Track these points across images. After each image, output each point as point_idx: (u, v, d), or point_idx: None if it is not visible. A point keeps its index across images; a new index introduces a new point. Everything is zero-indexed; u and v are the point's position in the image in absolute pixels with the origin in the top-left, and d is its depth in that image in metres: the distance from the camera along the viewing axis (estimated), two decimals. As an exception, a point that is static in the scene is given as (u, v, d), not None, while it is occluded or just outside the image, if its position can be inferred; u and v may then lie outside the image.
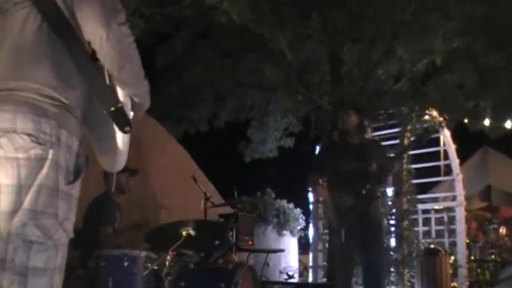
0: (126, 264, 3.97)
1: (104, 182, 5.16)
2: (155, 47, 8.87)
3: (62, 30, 1.71)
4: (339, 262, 4.95)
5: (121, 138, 1.89)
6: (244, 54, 8.57)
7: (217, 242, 4.94)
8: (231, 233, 5.70)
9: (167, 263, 4.08)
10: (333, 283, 5.14)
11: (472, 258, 9.66)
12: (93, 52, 1.76)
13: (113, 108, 1.76)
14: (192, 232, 4.17)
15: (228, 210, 6.70)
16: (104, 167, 1.97)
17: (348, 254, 4.81)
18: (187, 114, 9.86)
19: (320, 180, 4.99)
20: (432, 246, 8.96)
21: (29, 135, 1.59)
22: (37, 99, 1.64)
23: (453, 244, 9.50)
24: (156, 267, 4.05)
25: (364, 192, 4.69)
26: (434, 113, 8.52)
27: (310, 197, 9.70)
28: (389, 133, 9.08)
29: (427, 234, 10.00)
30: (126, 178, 5.26)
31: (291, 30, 7.52)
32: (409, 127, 8.73)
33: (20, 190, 1.56)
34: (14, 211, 1.55)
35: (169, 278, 4.10)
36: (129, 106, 1.89)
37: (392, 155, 5.98)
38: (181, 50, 8.85)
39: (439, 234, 9.89)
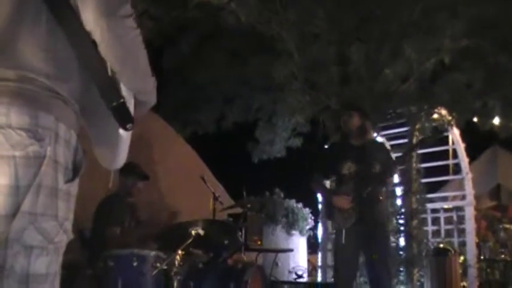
0: (135, 264, 3.97)
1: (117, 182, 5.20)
2: (163, 49, 8.90)
3: (63, 16, 1.57)
4: (340, 262, 4.94)
5: (122, 135, 1.74)
6: (252, 55, 8.59)
7: (226, 242, 4.96)
8: (240, 233, 5.71)
9: (176, 262, 4.09)
10: (336, 283, 5.11)
11: (482, 257, 9.61)
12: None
13: (114, 104, 1.62)
14: (201, 232, 4.18)
15: (237, 210, 6.72)
16: (102, 163, 1.81)
17: (348, 255, 4.79)
18: (195, 116, 9.90)
19: (327, 182, 4.99)
20: (442, 245, 8.93)
21: (26, 130, 1.46)
22: (33, 90, 1.51)
23: (463, 244, 9.46)
24: (165, 267, 4.06)
25: (365, 194, 4.67)
26: (444, 112, 8.50)
27: (319, 196, 9.69)
28: (398, 132, 9.05)
29: (436, 233, 9.96)
30: (133, 181, 5.24)
31: (298, 31, 7.53)
32: (418, 126, 8.70)
33: (18, 191, 1.44)
34: (11, 214, 1.43)
35: (178, 277, 4.11)
36: (132, 101, 1.75)
37: (399, 154, 5.96)
38: (189, 51, 8.88)
39: (449, 233, 9.85)
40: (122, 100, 1.64)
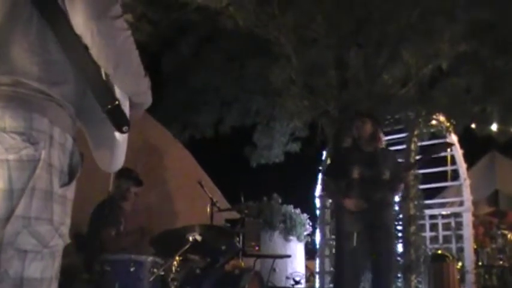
0: (132, 269, 3.94)
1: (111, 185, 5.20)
2: (161, 52, 8.89)
3: (54, 21, 1.57)
4: (349, 266, 4.96)
5: (118, 137, 1.73)
6: (250, 59, 8.57)
7: (223, 247, 4.94)
8: (237, 238, 5.70)
9: (173, 268, 4.07)
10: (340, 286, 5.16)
11: (480, 263, 9.60)
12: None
13: (109, 106, 1.63)
14: (198, 237, 4.16)
15: (234, 215, 6.69)
16: (101, 166, 1.81)
17: (358, 259, 4.85)
18: (193, 120, 9.87)
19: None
20: (439, 251, 8.92)
21: (20, 134, 1.47)
22: (27, 94, 1.52)
23: (460, 250, 9.45)
24: (162, 273, 4.03)
25: (375, 199, 4.74)
26: (442, 118, 8.50)
27: (317, 202, 9.68)
28: (396, 138, 9.04)
29: (434, 239, 9.96)
30: (127, 185, 5.23)
31: (296, 35, 7.51)
32: (416, 132, 8.69)
33: (12, 195, 1.44)
34: (5, 218, 1.43)
35: (175, 283, 4.09)
36: (127, 104, 1.75)
37: (401, 160, 6.00)
38: (187, 55, 8.87)
39: (446, 239, 9.85)
40: (116, 103, 1.64)
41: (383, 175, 4.82)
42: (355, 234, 4.74)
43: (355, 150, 5.08)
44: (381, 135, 5.13)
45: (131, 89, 1.75)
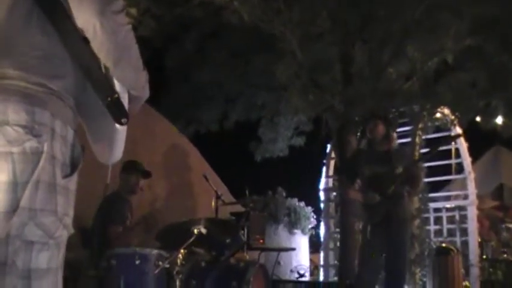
0: (137, 262, 3.97)
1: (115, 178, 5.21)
2: (166, 48, 8.90)
3: (54, 15, 1.58)
4: (366, 258, 5.11)
5: (117, 130, 1.76)
6: (255, 55, 8.57)
7: (228, 241, 4.97)
8: (242, 232, 5.71)
9: (179, 261, 4.09)
10: (360, 279, 5.27)
11: (484, 257, 9.59)
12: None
13: (108, 99, 1.65)
14: (203, 230, 4.18)
15: (239, 208, 6.72)
16: (99, 159, 1.84)
17: (374, 250, 5.00)
18: (198, 115, 9.90)
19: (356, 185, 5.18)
20: (444, 245, 8.91)
21: (22, 126, 1.48)
22: (28, 87, 1.53)
23: (465, 243, 9.44)
24: (167, 266, 4.06)
25: (389, 191, 4.87)
26: (446, 111, 8.49)
27: (321, 195, 9.70)
28: (401, 131, 9.02)
29: (438, 233, 9.95)
30: (136, 178, 5.25)
31: (301, 30, 7.51)
32: (420, 125, 8.69)
33: (16, 187, 1.45)
34: (11, 210, 1.45)
35: (180, 276, 4.11)
36: (126, 97, 1.77)
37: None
38: (192, 50, 8.88)
39: (451, 233, 9.84)
40: (116, 95, 1.67)
41: (396, 169, 4.99)
42: (368, 227, 4.91)
43: (369, 151, 5.27)
44: (394, 135, 5.33)
45: (130, 82, 1.78)
